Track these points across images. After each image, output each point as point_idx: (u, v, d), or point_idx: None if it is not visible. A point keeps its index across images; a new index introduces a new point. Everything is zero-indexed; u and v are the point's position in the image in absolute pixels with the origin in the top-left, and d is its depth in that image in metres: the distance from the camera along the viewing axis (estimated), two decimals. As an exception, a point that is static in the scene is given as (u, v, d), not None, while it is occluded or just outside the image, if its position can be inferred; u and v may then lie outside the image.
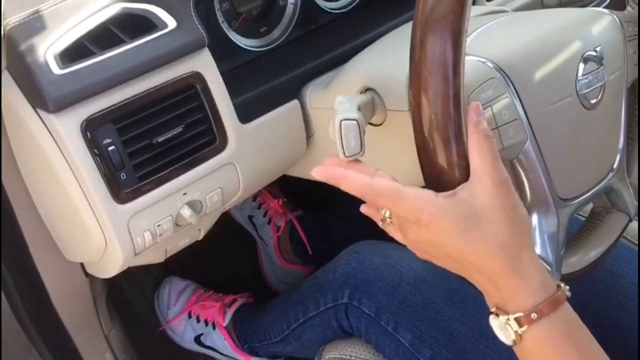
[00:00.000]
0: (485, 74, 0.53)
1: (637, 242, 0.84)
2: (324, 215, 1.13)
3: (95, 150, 0.57)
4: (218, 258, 1.19)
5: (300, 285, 0.86)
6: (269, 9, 0.76)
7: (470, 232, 0.46)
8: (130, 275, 1.09)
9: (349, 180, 0.48)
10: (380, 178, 0.49)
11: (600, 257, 0.61)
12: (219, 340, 1.03)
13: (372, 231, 0.86)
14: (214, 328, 1.04)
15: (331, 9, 0.81)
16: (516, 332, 0.47)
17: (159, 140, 0.61)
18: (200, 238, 0.73)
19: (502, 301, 0.48)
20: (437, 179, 0.49)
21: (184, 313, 1.07)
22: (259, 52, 0.76)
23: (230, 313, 1.02)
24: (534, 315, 0.46)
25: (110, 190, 0.59)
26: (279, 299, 0.91)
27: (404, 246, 0.78)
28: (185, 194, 0.64)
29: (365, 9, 0.83)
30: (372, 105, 0.60)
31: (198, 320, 1.06)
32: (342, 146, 0.50)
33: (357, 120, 0.49)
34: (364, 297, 0.72)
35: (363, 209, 0.55)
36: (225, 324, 1.02)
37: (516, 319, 0.47)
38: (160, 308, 1.09)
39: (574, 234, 0.66)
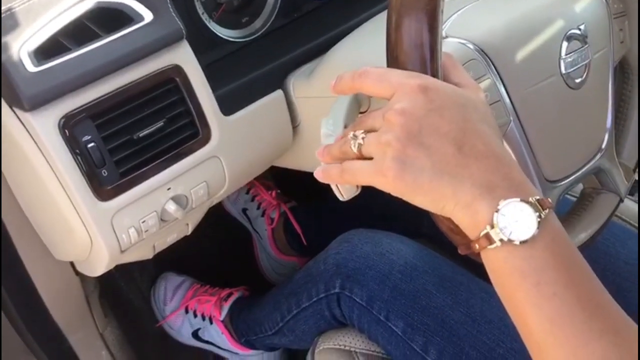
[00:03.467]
0: (466, 55, 0.52)
1: (631, 222, 0.83)
2: (318, 205, 1.13)
3: (75, 148, 0.57)
4: (213, 252, 1.19)
5: (292, 276, 0.85)
6: (250, -2, 0.75)
7: (471, 110, 0.43)
8: (127, 271, 1.09)
9: (363, 76, 0.47)
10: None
11: (589, 239, 0.61)
12: (217, 334, 1.03)
13: (366, 219, 0.86)
14: (211, 322, 1.04)
15: (314, -4, 0.80)
16: (539, 216, 0.41)
17: (140, 135, 0.60)
18: (188, 233, 0.73)
19: (515, 188, 0.42)
20: None
21: (181, 308, 1.06)
22: (240, 42, 0.75)
23: (226, 307, 1.02)
24: (549, 201, 0.42)
25: (92, 187, 0.58)
26: (273, 291, 0.91)
27: (394, 234, 0.78)
28: (169, 189, 0.63)
29: (349, -5, 0.82)
30: (356, 100, 0.60)
31: (195, 315, 1.06)
32: (340, 192, 0.50)
33: None
34: (355, 286, 0.72)
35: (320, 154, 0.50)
36: (222, 318, 1.02)
37: (538, 201, 0.41)
38: (157, 304, 1.09)
39: (564, 216, 0.66)
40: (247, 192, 1.16)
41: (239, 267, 1.19)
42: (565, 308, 0.41)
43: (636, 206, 0.84)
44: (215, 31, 0.73)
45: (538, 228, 0.41)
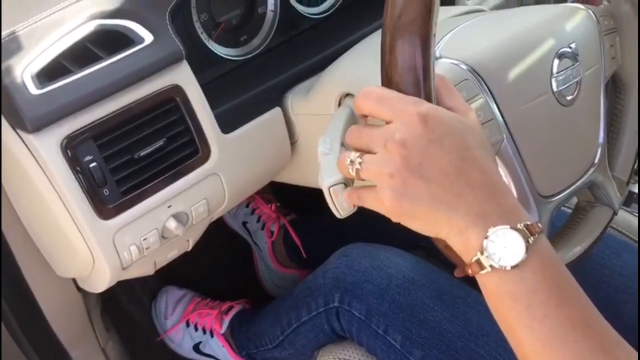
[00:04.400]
0: (459, 75, 0.53)
1: (626, 233, 0.84)
2: (318, 218, 1.13)
3: (77, 168, 0.58)
4: (214, 265, 1.20)
5: (292, 290, 0.86)
6: (248, 17, 0.77)
7: (469, 136, 0.44)
8: (128, 286, 1.09)
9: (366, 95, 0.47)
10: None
11: (584, 253, 0.62)
12: (218, 347, 1.04)
13: (365, 232, 0.86)
14: (212, 336, 1.04)
15: (311, 14, 0.81)
16: (527, 242, 0.42)
17: (141, 154, 0.61)
18: (189, 249, 0.74)
19: (505, 215, 0.43)
20: None
21: (182, 322, 1.07)
22: (239, 61, 0.76)
23: (227, 320, 1.03)
24: (538, 227, 0.43)
25: (94, 206, 0.59)
26: (273, 304, 0.91)
27: (392, 248, 0.79)
28: (170, 206, 0.64)
29: (345, 13, 0.83)
30: (352, 117, 0.60)
31: (196, 329, 1.06)
32: (337, 209, 0.51)
33: (344, 183, 0.50)
34: (354, 300, 0.73)
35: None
36: (222, 331, 1.02)
37: (527, 226, 0.43)
38: (158, 318, 1.09)
39: (560, 229, 0.67)
40: (247, 206, 1.17)
41: (240, 280, 1.20)
42: (556, 329, 0.42)
43: (631, 217, 0.85)
44: (214, 50, 0.74)
45: (527, 253, 0.43)
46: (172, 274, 1.09)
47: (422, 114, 0.44)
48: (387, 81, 0.48)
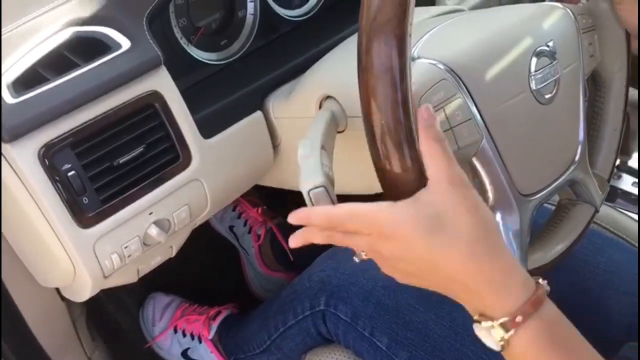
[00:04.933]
0: (436, 76, 0.53)
1: (610, 229, 0.84)
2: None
3: (55, 177, 0.57)
4: (202, 270, 1.19)
5: (279, 294, 0.86)
6: (228, 21, 0.77)
7: (435, 236, 0.45)
8: (114, 294, 1.08)
9: (315, 215, 0.50)
10: (341, 204, 0.49)
11: (566, 251, 0.62)
12: (206, 353, 1.03)
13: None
14: (200, 342, 1.04)
15: (291, 17, 0.81)
16: (502, 337, 0.45)
17: (120, 161, 0.60)
18: (173, 255, 0.73)
19: (484, 307, 0.46)
20: (393, 186, 0.49)
21: (170, 328, 1.06)
22: (220, 65, 0.76)
23: (215, 325, 1.02)
24: (519, 319, 0.45)
25: (73, 215, 0.58)
26: (260, 309, 0.91)
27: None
28: (151, 213, 0.63)
29: (326, 15, 0.83)
30: (333, 120, 0.60)
31: (184, 335, 1.05)
32: None
33: (324, 187, 0.50)
34: (339, 303, 0.73)
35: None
36: (210, 336, 1.02)
37: (501, 324, 0.45)
38: (145, 325, 1.09)
39: (542, 227, 0.67)
40: (234, 210, 1.17)
41: (228, 285, 1.20)
42: None
43: (615, 213, 0.86)
44: (194, 55, 0.74)
45: (505, 345, 0.46)
46: (159, 280, 1.08)
47: (388, 234, 0.47)
48: (364, 84, 0.48)
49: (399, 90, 0.47)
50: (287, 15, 0.81)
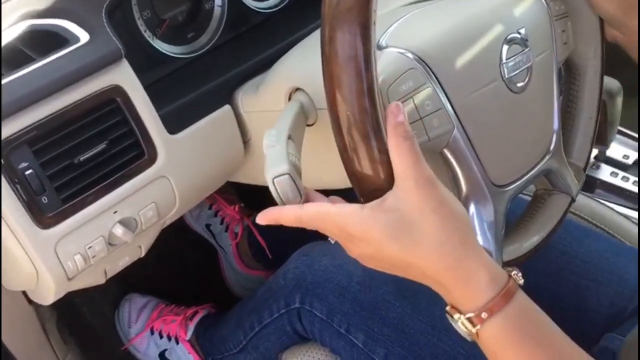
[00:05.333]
0: (404, 65, 0.52)
1: (587, 219, 0.84)
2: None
3: (12, 176, 0.55)
4: (179, 270, 1.17)
5: (254, 293, 0.84)
6: (195, 13, 0.74)
7: (402, 239, 0.46)
8: (87, 296, 1.06)
9: (284, 216, 0.49)
10: (309, 204, 0.49)
11: (542, 241, 0.61)
12: (183, 354, 1.01)
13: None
14: (177, 342, 1.01)
15: (261, 8, 0.79)
16: (470, 331, 0.47)
17: (82, 159, 0.58)
18: (142, 255, 0.71)
19: (454, 302, 0.47)
20: (360, 179, 0.48)
21: (146, 330, 1.04)
22: (186, 59, 0.73)
23: (192, 326, 1.00)
24: (484, 315, 0.45)
25: (32, 216, 0.56)
26: (236, 308, 0.89)
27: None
28: (116, 212, 0.61)
29: (296, 7, 0.81)
30: (302, 111, 0.59)
31: (161, 336, 1.03)
32: (282, 200, 0.50)
33: (289, 174, 0.49)
34: (314, 300, 0.71)
35: None
36: (187, 337, 1.00)
37: (468, 319, 0.46)
38: (121, 327, 1.06)
39: (518, 218, 0.65)
40: (210, 208, 1.14)
41: (206, 284, 1.18)
42: None
43: (592, 202, 0.85)
44: (159, 48, 0.71)
45: (475, 335, 0.46)
46: (135, 280, 1.06)
47: (359, 237, 0.47)
48: (329, 74, 0.46)
49: (364, 80, 0.45)
50: (257, 7, 0.79)
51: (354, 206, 0.47)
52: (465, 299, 0.46)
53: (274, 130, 0.52)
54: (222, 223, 1.13)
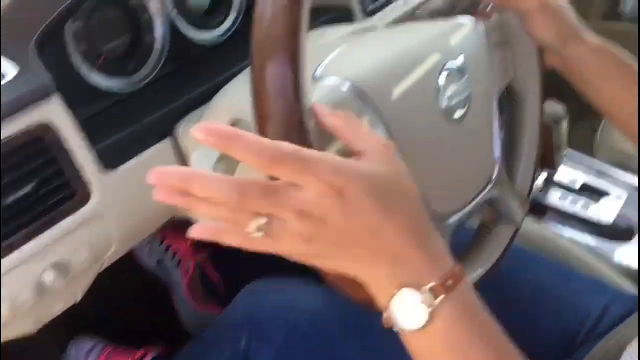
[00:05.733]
0: (340, 96, 0.51)
1: (534, 245, 0.83)
2: (237, 250, 1.09)
3: None
4: (131, 308, 1.12)
5: (202, 334, 0.81)
6: (135, 45, 0.72)
7: (392, 205, 0.42)
8: (30, 339, 1.00)
9: (244, 141, 0.39)
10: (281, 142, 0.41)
11: (487, 274, 0.60)
12: (133, 399, 0.96)
13: (285, 262, 0.82)
14: (126, 387, 0.97)
15: (203, 41, 0.78)
16: (431, 307, 0.42)
17: (8, 201, 0.55)
18: (78, 300, 0.67)
19: (412, 275, 0.43)
20: None
21: (94, 375, 0.99)
22: (126, 92, 0.71)
23: (141, 369, 0.96)
24: (450, 282, 0.42)
25: (-49, 263, 0.53)
26: (185, 350, 0.86)
27: (305, 280, 0.75)
28: (45, 257, 0.58)
29: (239, 40, 0.80)
30: None
31: (110, 380, 0.99)
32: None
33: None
34: (261, 341, 0.68)
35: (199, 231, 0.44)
36: (137, 381, 0.95)
37: (431, 289, 0.42)
38: (67, 373, 1.01)
39: (467, 249, 0.65)
40: (161, 243, 1.11)
41: (160, 322, 1.13)
42: None
43: (542, 229, 0.85)
44: (97, 82, 0.69)
45: (429, 317, 0.42)
46: (84, 320, 1.01)
47: (338, 187, 0.40)
48: (259, 108, 0.45)
49: (296, 111, 0.44)
50: (199, 41, 0.77)
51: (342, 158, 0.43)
52: (430, 266, 0.43)
53: (203, 149, 0.51)
54: (174, 258, 1.10)
